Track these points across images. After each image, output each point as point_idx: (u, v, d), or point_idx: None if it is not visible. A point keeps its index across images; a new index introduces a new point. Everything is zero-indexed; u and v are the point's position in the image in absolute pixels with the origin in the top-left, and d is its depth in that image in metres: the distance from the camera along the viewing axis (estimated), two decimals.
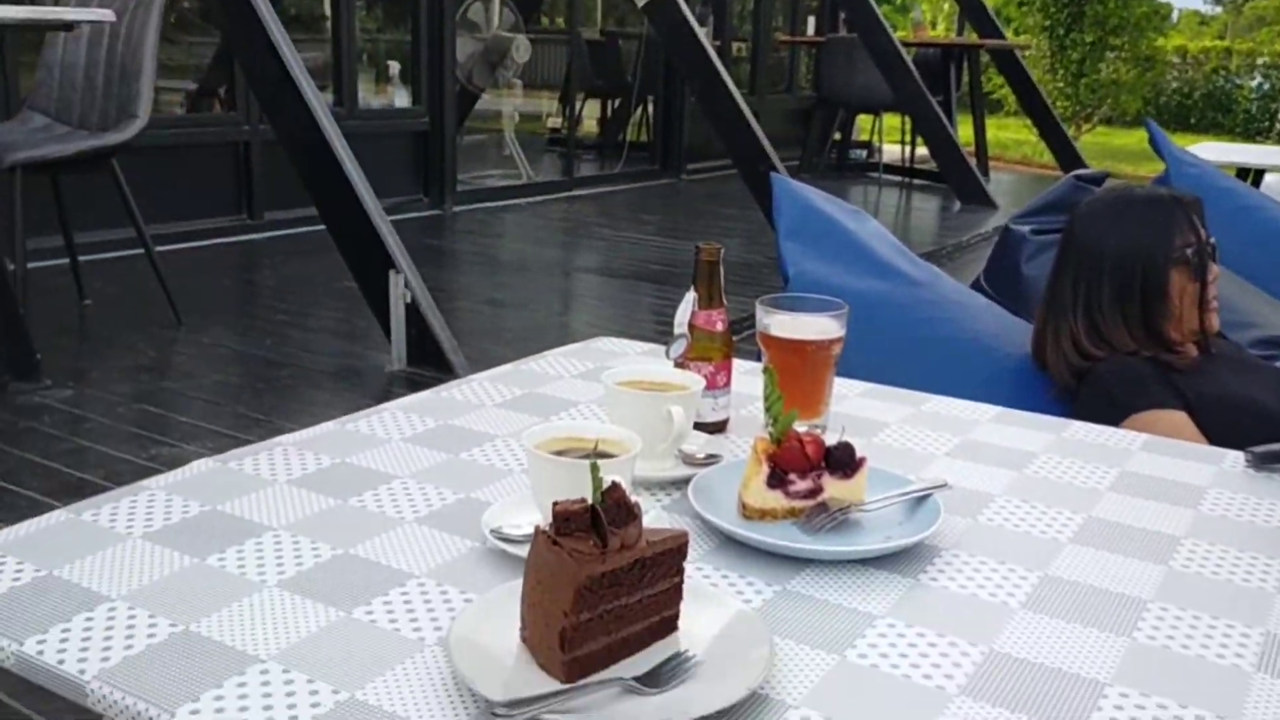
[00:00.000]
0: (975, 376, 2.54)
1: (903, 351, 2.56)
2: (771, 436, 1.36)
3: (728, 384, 1.65)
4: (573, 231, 7.48)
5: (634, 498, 1.33)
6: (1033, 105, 10.88)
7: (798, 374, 1.61)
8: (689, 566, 1.13)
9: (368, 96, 7.27)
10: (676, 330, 1.62)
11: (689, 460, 1.50)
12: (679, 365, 1.62)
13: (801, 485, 1.34)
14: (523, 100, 8.68)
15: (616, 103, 10.14)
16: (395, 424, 1.66)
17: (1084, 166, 9.57)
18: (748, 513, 1.34)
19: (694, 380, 1.52)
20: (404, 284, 3.73)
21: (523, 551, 1.15)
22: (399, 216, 6.67)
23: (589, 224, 7.69)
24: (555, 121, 9.91)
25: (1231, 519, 1.43)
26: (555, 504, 1.01)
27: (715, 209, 8.45)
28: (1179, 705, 1.02)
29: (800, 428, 1.37)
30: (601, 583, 1.00)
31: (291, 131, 4.05)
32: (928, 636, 1.12)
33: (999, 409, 1.84)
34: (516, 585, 1.07)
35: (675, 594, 1.08)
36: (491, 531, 1.25)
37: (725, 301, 1.65)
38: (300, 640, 1.07)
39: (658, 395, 1.47)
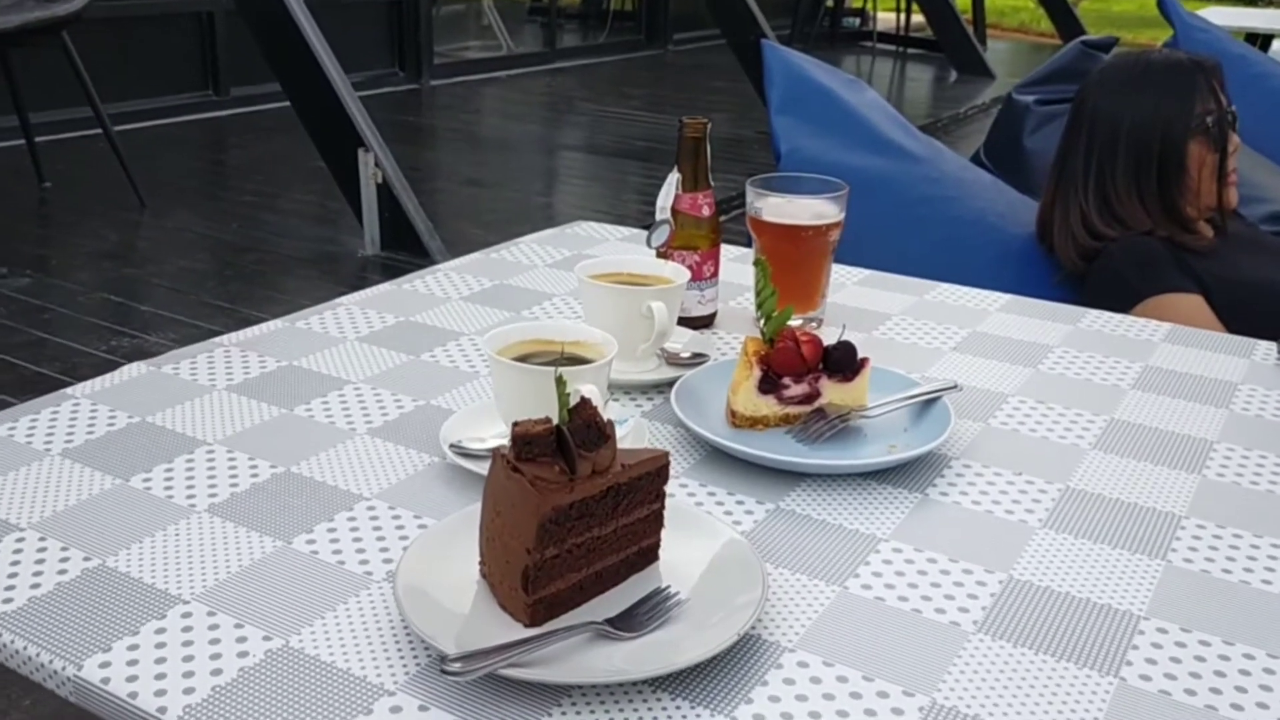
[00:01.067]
0: (980, 259, 2.40)
1: (903, 233, 2.41)
2: (763, 335, 1.22)
3: (715, 274, 1.50)
4: (555, 106, 7.22)
5: (609, 407, 1.20)
6: None
7: (792, 263, 1.46)
8: (671, 484, 1.00)
9: None
10: (658, 215, 1.47)
11: (672, 360, 1.36)
12: (661, 254, 1.46)
13: (796, 390, 1.21)
14: None
15: None
16: (351, 321, 1.51)
17: (1086, 34, 9.24)
18: (737, 421, 1.21)
19: (678, 272, 1.37)
20: (374, 163, 3.54)
21: (486, 470, 1.02)
22: (372, 92, 6.40)
23: (572, 98, 7.42)
24: None
25: (1268, 419, 1.30)
26: (515, 425, 0.87)
27: (703, 81, 8.17)
28: (1223, 641, 0.90)
29: (794, 322, 1.22)
30: (569, 514, 0.87)
31: (259, 26, 3.81)
32: (939, 563, 1.00)
33: (1008, 296, 1.70)
34: (475, 511, 0.94)
35: (655, 522, 0.96)
36: (452, 446, 1.12)
37: (712, 183, 1.49)
38: (229, 577, 0.94)
39: (637, 290, 1.32)
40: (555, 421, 0.88)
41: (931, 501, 1.10)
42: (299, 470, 1.12)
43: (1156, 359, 1.48)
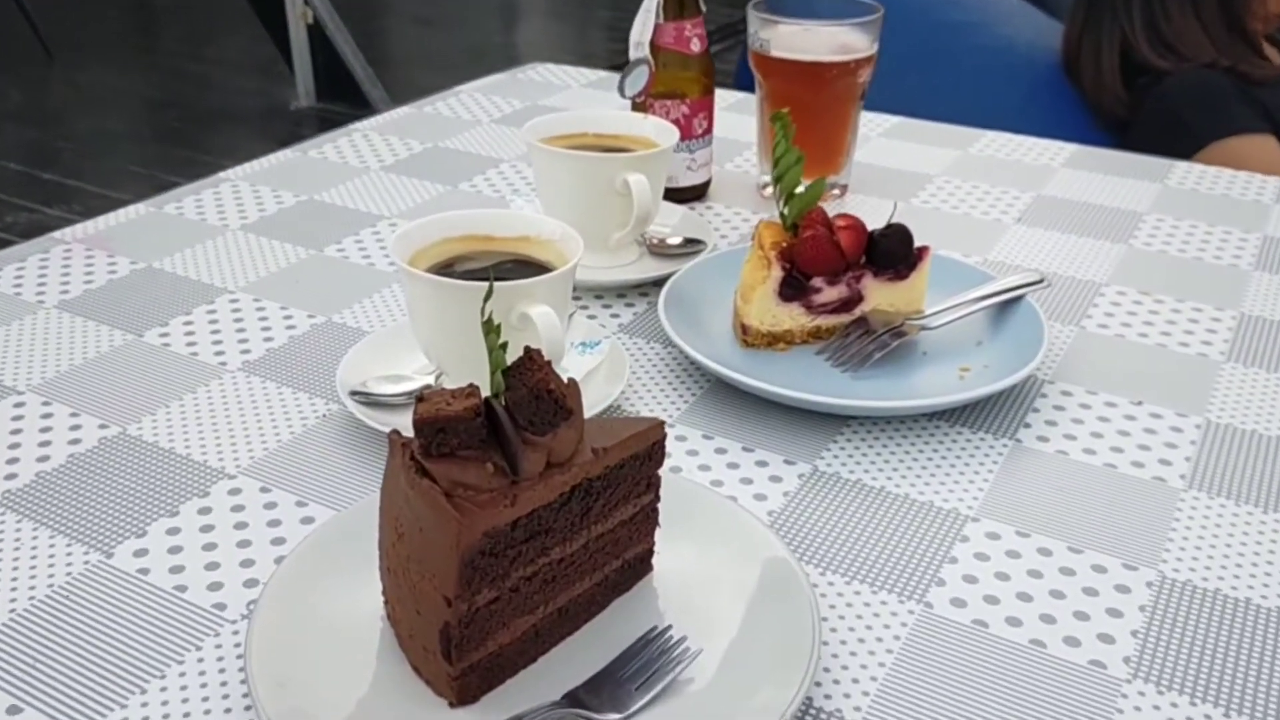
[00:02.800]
0: (1009, 96, 2.04)
1: (920, 68, 2.04)
2: (784, 220, 0.89)
3: (708, 130, 1.15)
4: None
5: (574, 323, 0.87)
6: None
7: (809, 112, 1.11)
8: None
9: None
10: (633, 54, 1.11)
11: (659, 250, 1.03)
12: (638, 105, 1.11)
13: (831, 293, 0.88)
14: None
15: None
16: (236, 202, 1.16)
17: None
18: (750, 339, 0.88)
19: (662, 131, 1.02)
20: (303, 0, 3.10)
21: (399, 421, 0.71)
22: None
23: None
24: None
25: None
26: (419, 402, 0.54)
27: None
28: None
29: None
30: (511, 539, 0.55)
31: None
32: (1057, 554, 0.69)
33: (1073, 147, 1.36)
34: (374, 506, 0.62)
35: (645, 522, 0.64)
36: (353, 393, 0.79)
37: (702, 8, 1.13)
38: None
39: (608, 158, 0.97)
40: (485, 393, 0.56)
41: (1028, 452, 0.79)
42: (140, 433, 0.80)
43: (1274, 227, 1.15)
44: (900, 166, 1.29)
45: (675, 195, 1.14)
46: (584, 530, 0.59)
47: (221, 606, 0.64)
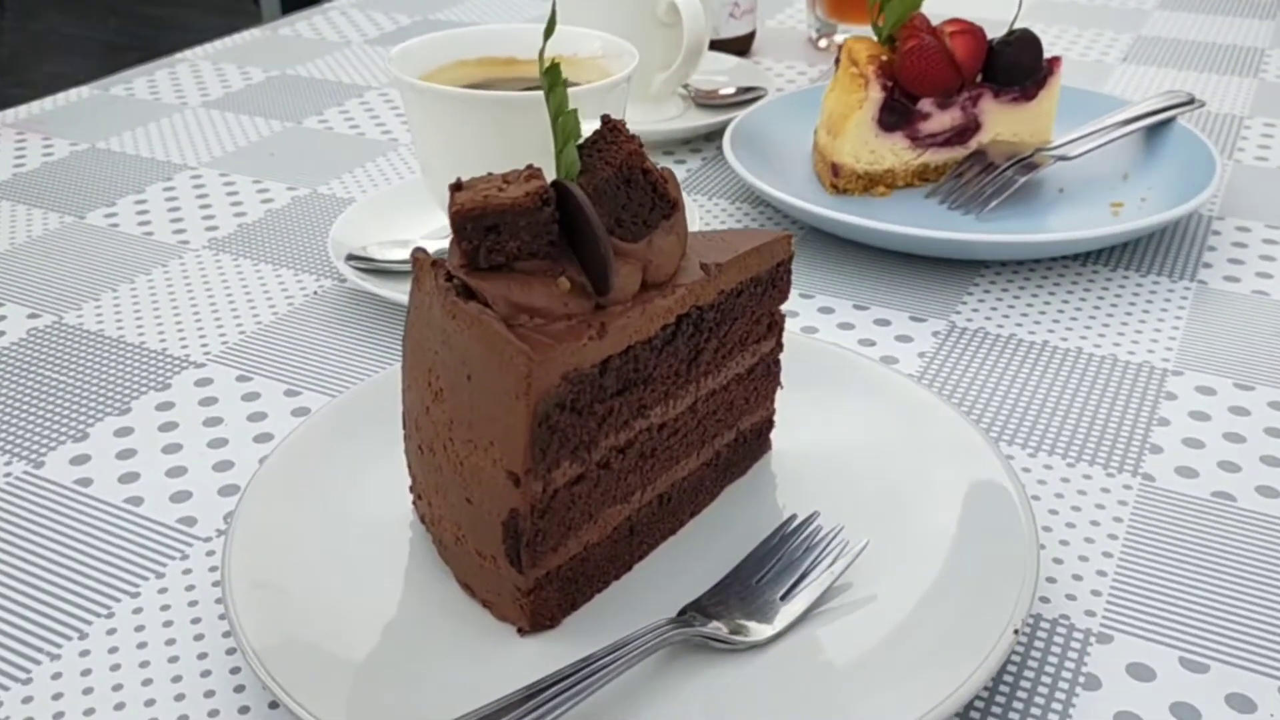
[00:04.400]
0: None
1: None
2: (878, 33, 0.71)
3: None
4: None
5: None
6: None
7: None
8: None
9: None
10: None
11: (707, 100, 0.85)
12: None
13: (944, 119, 0.70)
14: None
15: None
16: (196, 80, 0.98)
17: None
18: (843, 182, 0.71)
19: None
20: None
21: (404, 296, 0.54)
22: None
23: None
24: None
25: None
26: (455, 190, 0.37)
27: None
28: None
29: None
30: (598, 388, 0.38)
31: None
32: None
33: None
34: (390, 384, 0.45)
35: (765, 382, 0.47)
36: (350, 259, 0.61)
37: None
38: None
39: None
40: (537, 158, 0.38)
41: (1218, 294, 0.62)
42: (80, 321, 0.62)
43: None
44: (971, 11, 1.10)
45: (715, 50, 0.96)
46: (691, 384, 0.42)
47: (190, 521, 0.47)
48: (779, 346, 0.46)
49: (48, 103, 0.93)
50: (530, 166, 0.37)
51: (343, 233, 0.64)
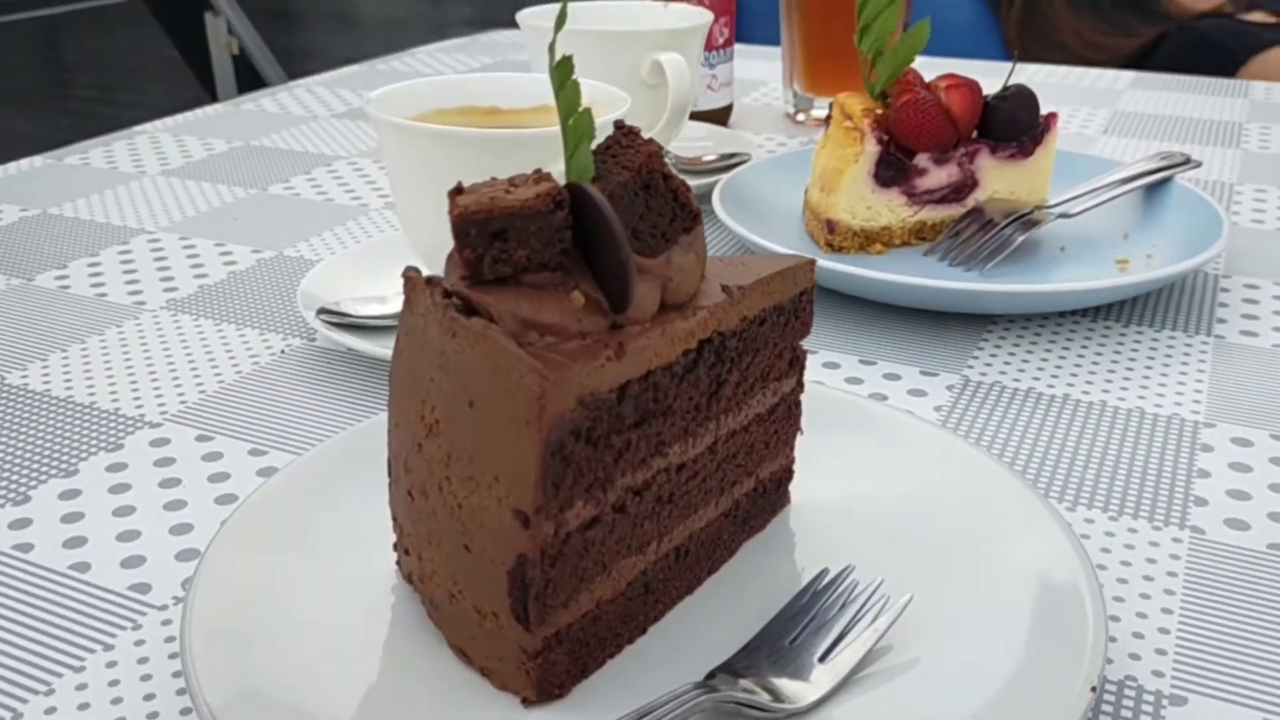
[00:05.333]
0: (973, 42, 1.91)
1: None
2: (871, 89, 0.69)
3: (730, 41, 0.96)
4: None
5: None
6: None
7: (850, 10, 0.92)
8: None
9: None
10: None
11: (690, 166, 0.82)
12: None
13: (940, 175, 0.68)
14: None
15: None
16: (155, 150, 0.94)
17: None
18: (839, 239, 0.68)
19: (689, 14, 0.82)
20: (227, 29, 2.89)
21: (386, 350, 0.50)
22: None
23: None
24: None
25: None
26: (455, 195, 0.33)
27: None
28: None
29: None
30: (615, 416, 0.34)
31: None
32: None
33: (1132, 73, 1.19)
34: (372, 433, 0.41)
35: (786, 425, 0.43)
36: (322, 313, 0.57)
37: None
38: None
39: (634, 35, 0.77)
40: (556, 180, 0.34)
41: (1237, 348, 0.59)
42: (25, 381, 0.57)
43: None
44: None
45: (693, 118, 0.94)
46: (712, 421, 0.38)
47: (143, 588, 0.42)
48: (800, 386, 0.42)
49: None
50: (538, 170, 0.34)
51: (314, 286, 0.60)
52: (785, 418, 0.42)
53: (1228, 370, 0.57)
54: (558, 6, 0.84)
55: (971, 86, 0.67)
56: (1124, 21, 1.83)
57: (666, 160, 0.81)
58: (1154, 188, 0.72)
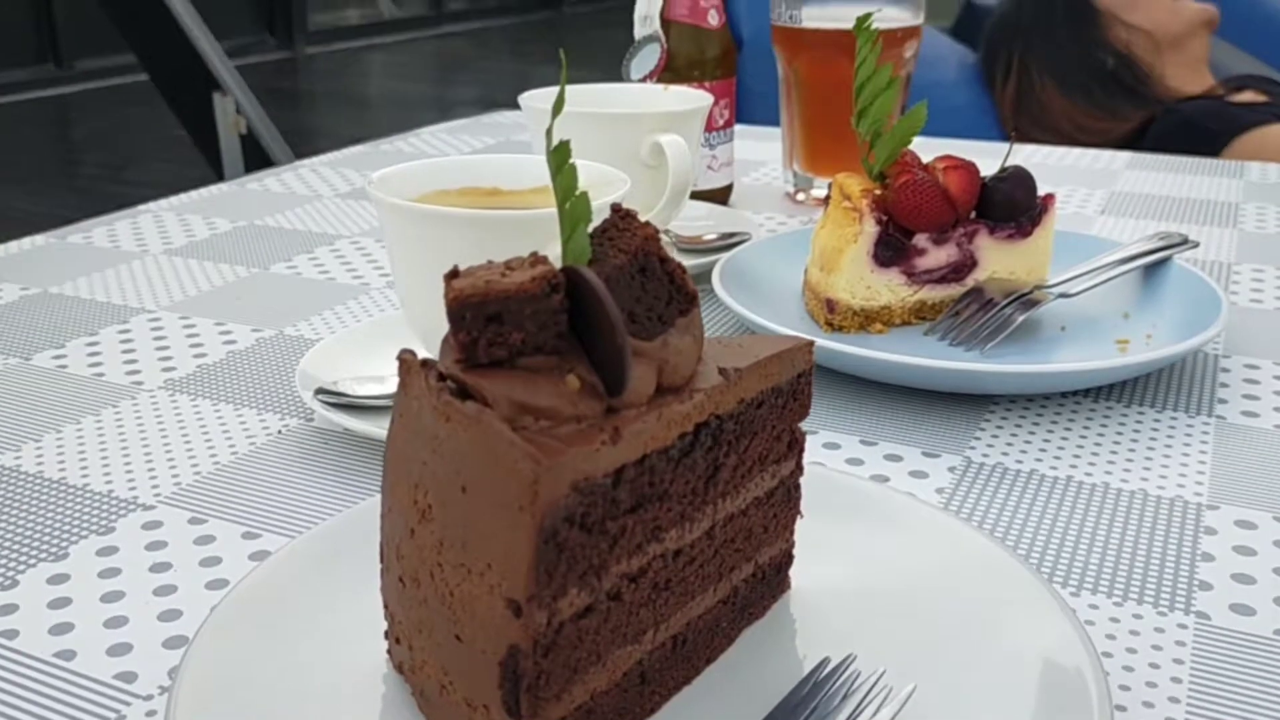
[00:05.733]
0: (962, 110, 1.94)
1: None
2: (869, 169, 0.69)
3: (730, 122, 0.97)
4: (447, 67, 6.56)
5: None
6: None
7: (847, 98, 0.93)
8: None
9: None
10: (639, 30, 0.93)
11: (691, 245, 0.83)
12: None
13: (939, 255, 0.68)
14: None
15: None
16: (159, 229, 0.95)
17: None
18: (839, 319, 0.68)
19: (690, 97, 0.83)
20: (234, 109, 2.93)
21: (383, 431, 0.49)
22: (240, 61, 5.71)
23: (464, 58, 6.76)
24: None
25: None
26: (452, 278, 0.33)
27: (610, 35, 7.60)
28: None
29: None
30: (610, 501, 0.33)
31: None
32: None
33: (1128, 154, 1.20)
34: (364, 517, 0.40)
35: (785, 509, 0.42)
36: (319, 393, 0.57)
37: None
38: None
39: (633, 117, 0.78)
40: (553, 263, 0.34)
41: (1240, 429, 0.58)
42: (18, 463, 0.56)
43: None
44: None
45: (694, 198, 0.94)
46: (709, 505, 0.38)
47: (129, 677, 0.41)
48: (800, 469, 0.42)
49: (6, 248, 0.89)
50: (534, 253, 0.34)
51: (313, 366, 0.59)
52: (784, 501, 0.42)
53: (1230, 452, 0.56)
54: (558, 89, 0.85)
55: (969, 168, 0.68)
56: (1114, 106, 1.85)
57: (667, 239, 0.82)
58: (1153, 267, 0.72)
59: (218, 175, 3.17)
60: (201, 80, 2.94)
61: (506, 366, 0.33)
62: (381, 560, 0.38)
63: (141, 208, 1.01)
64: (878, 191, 0.67)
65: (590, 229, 0.35)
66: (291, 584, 0.41)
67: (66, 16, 5.16)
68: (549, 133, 0.35)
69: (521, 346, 0.33)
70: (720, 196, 0.98)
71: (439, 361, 0.34)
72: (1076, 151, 1.20)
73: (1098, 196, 1.02)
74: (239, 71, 3.16)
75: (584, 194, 0.34)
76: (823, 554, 0.44)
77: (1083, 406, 0.61)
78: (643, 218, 0.77)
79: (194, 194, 1.06)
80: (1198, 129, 1.71)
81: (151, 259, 0.87)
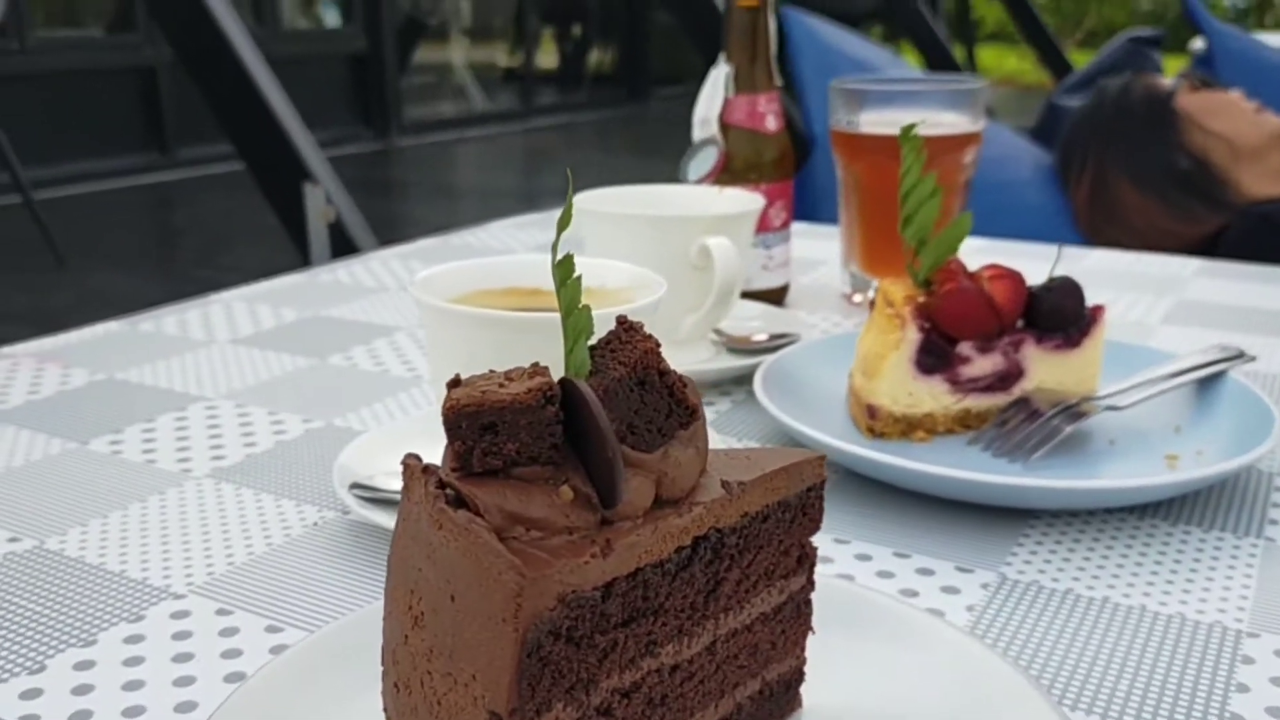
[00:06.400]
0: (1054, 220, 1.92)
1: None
2: (915, 276, 0.69)
3: (787, 223, 0.98)
4: (534, 158, 6.71)
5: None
6: (1019, 10, 10.10)
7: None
8: None
9: (294, 16, 6.42)
10: (698, 133, 0.95)
11: (739, 345, 0.83)
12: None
13: (984, 364, 0.67)
14: (470, 25, 7.85)
15: (575, 29, 9.34)
16: (227, 320, 0.98)
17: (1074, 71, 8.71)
18: (880, 426, 0.67)
19: (742, 199, 0.84)
20: (325, 199, 3.02)
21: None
22: (336, 151, 5.92)
23: (551, 150, 6.92)
24: (509, 59, 8.96)
25: None
26: (452, 387, 0.34)
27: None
28: None
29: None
30: (599, 615, 0.33)
31: (184, 41, 3.29)
32: None
33: (1199, 261, 1.18)
34: (377, 615, 0.40)
35: (795, 625, 0.42)
36: (354, 488, 0.58)
37: (778, 81, 0.97)
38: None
39: (683, 220, 0.79)
40: (559, 374, 0.35)
41: None
42: (62, 547, 0.58)
43: None
44: None
45: (749, 298, 0.95)
46: (710, 620, 0.37)
47: None
48: (810, 584, 0.41)
49: (73, 336, 0.93)
50: (535, 364, 0.34)
51: (351, 460, 0.60)
52: (794, 616, 0.41)
53: (1276, 576, 0.54)
54: (615, 191, 0.87)
55: (1014, 277, 0.67)
56: (1189, 208, 1.83)
57: (717, 339, 0.82)
58: (1209, 381, 0.70)
59: (305, 262, 3.26)
60: (294, 170, 3.05)
61: (501, 476, 0.33)
62: (382, 664, 0.38)
63: (213, 296, 1.05)
64: (921, 299, 0.67)
65: (595, 340, 0.36)
66: (298, 683, 0.41)
67: (173, 106, 5.39)
68: (554, 246, 0.35)
69: (516, 457, 0.33)
70: (776, 296, 0.98)
71: (440, 467, 0.35)
72: (1148, 258, 1.19)
73: (1164, 304, 1.00)
74: (336, 162, 3.27)
75: (586, 307, 0.35)
76: (839, 672, 0.43)
77: (1126, 524, 0.59)
78: (690, 319, 0.77)
79: (266, 284, 1.09)
80: (1278, 228, 1.68)
81: (217, 348, 0.90)
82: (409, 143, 6.69)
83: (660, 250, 0.77)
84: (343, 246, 3.17)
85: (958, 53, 8.33)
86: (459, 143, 6.87)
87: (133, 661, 0.48)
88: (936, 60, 7.74)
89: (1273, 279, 1.09)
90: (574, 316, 0.35)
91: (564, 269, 0.35)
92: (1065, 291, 0.68)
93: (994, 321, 0.66)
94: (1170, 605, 0.52)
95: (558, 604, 0.32)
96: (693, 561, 0.36)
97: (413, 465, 0.35)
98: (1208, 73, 2.91)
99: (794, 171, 0.97)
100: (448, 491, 0.33)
